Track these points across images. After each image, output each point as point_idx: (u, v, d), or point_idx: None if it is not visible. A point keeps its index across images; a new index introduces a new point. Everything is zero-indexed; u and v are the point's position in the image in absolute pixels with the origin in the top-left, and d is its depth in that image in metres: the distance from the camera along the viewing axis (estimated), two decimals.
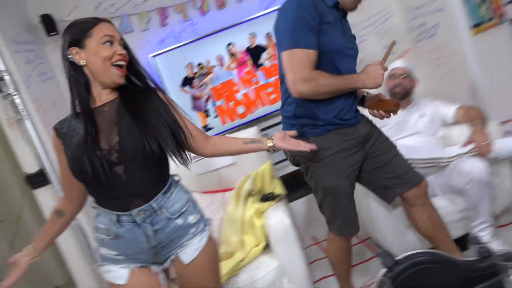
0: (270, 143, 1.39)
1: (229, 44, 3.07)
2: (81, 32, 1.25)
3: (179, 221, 1.34)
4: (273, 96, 3.17)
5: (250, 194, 2.15)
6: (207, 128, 3.13)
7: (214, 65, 3.08)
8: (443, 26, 2.89)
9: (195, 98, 3.09)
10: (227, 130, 3.08)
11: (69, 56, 1.24)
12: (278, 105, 3.12)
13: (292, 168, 3.08)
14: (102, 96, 1.30)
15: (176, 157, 1.30)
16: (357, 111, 1.70)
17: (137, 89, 1.34)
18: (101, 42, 1.25)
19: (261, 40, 3.10)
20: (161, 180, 1.32)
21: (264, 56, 3.13)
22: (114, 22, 2.89)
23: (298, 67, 1.48)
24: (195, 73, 3.07)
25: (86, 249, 2.52)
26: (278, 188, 2.18)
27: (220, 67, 3.09)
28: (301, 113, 1.62)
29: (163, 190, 1.31)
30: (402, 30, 3.34)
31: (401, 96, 2.27)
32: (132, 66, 1.33)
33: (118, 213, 1.27)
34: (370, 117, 1.74)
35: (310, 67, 1.49)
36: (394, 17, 3.33)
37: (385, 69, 1.56)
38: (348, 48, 1.61)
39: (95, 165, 1.19)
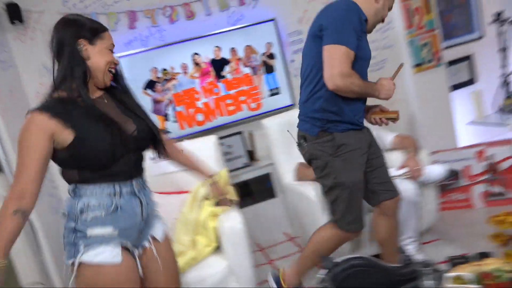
0: (206, 183, 1.92)
1: (194, 54, 3.20)
2: (95, 31, 1.37)
3: (154, 200, 1.55)
4: (231, 108, 3.33)
5: (205, 198, 2.27)
6: (165, 132, 3.21)
7: (178, 72, 3.19)
8: (389, 62, 3.23)
9: (156, 102, 3.18)
10: (184, 136, 3.18)
11: (79, 46, 1.33)
12: (235, 116, 3.32)
13: (245, 178, 3.27)
14: (94, 91, 1.42)
15: (160, 146, 1.53)
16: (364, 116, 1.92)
17: (117, 88, 1.49)
18: (108, 47, 1.40)
19: (225, 54, 3.27)
20: (141, 162, 1.50)
21: (227, 69, 3.29)
22: None
23: (339, 62, 1.62)
24: (159, 77, 3.16)
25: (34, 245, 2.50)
26: (232, 194, 2.32)
27: (183, 75, 3.20)
28: (329, 108, 1.74)
29: (142, 171, 1.51)
30: None
31: None
32: (116, 70, 1.45)
33: (120, 183, 1.37)
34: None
35: (349, 64, 1.64)
36: None
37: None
38: (369, 59, 1.84)
39: (128, 147, 1.37)
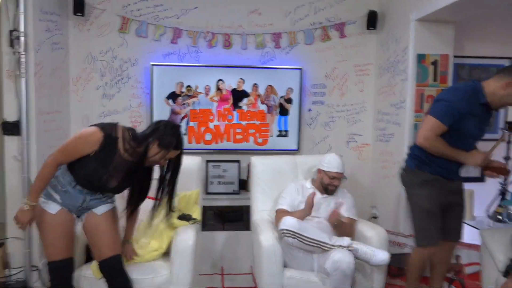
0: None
1: (219, 80, 3.49)
2: (168, 145, 2.03)
3: (104, 199, 2.15)
4: (239, 137, 3.57)
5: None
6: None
7: (201, 92, 3.49)
8: (396, 138, 3.31)
9: (173, 112, 3.49)
10: (188, 149, 3.44)
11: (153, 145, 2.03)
12: (240, 145, 3.55)
13: (227, 203, 3.47)
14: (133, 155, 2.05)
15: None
16: (458, 173, 2.40)
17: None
18: (165, 157, 2.06)
19: (247, 87, 3.53)
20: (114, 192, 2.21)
21: (245, 101, 3.54)
22: (133, 24, 3.34)
23: (428, 129, 2.22)
24: (182, 92, 3.48)
25: None
26: (196, 214, 2.54)
27: (204, 96, 3.50)
28: (421, 155, 2.33)
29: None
30: (369, 125, 3.77)
31: (331, 192, 2.68)
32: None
33: (82, 187, 2.04)
34: None
35: (435, 132, 2.20)
36: (366, 113, 3.77)
37: (489, 156, 2.27)
38: (473, 137, 2.32)
39: (103, 187, 2.06)
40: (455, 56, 3.28)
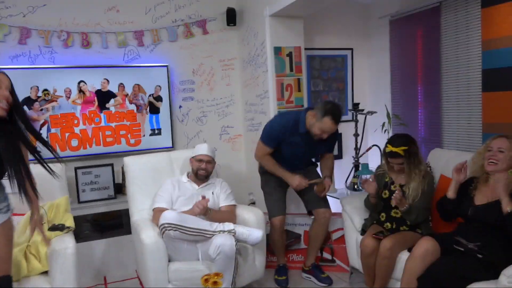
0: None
1: (80, 81, 3.29)
2: None
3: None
4: (109, 139, 3.42)
5: (40, 222, 2.30)
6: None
7: (60, 95, 3.24)
8: (262, 126, 3.55)
9: (31, 119, 3.17)
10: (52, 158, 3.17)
11: None
12: (112, 148, 3.41)
13: (103, 209, 3.31)
14: None
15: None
16: (299, 166, 2.90)
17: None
18: None
19: (113, 88, 3.40)
20: None
21: (112, 102, 3.40)
22: None
23: (257, 149, 2.85)
24: (39, 97, 3.18)
25: None
26: (69, 221, 2.38)
27: (65, 99, 3.26)
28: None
29: None
30: (239, 117, 3.97)
31: (203, 177, 2.76)
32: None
33: None
34: None
35: (262, 152, 2.81)
36: (235, 105, 3.96)
37: (304, 184, 2.74)
38: (292, 159, 2.82)
39: None
40: (306, 49, 3.66)
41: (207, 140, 3.86)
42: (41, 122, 3.21)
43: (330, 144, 2.92)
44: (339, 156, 4.12)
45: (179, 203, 2.64)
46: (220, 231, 2.38)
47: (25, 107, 3.15)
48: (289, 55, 3.34)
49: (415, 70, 3.55)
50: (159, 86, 3.55)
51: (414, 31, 3.50)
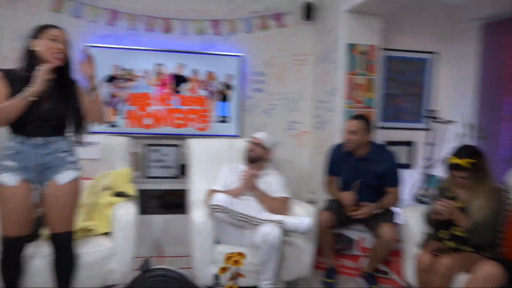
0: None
1: (158, 64, 3.49)
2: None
3: (62, 155, 2.00)
4: (179, 122, 3.58)
5: (105, 188, 2.50)
6: (112, 125, 3.46)
7: (139, 75, 3.46)
8: (330, 124, 3.48)
9: (112, 95, 3.43)
10: (127, 133, 3.40)
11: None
12: (180, 130, 3.58)
13: (167, 187, 3.48)
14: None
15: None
16: None
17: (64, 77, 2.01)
18: (49, 38, 1.91)
19: (187, 73, 3.55)
20: (59, 130, 2.01)
21: (185, 86, 3.56)
22: (68, 3, 3.22)
23: None
24: (120, 75, 3.43)
25: None
26: (131, 190, 2.55)
27: (143, 79, 3.48)
28: None
29: (59, 136, 2.00)
30: (307, 113, 3.92)
31: (251, 159, 2.78)
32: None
33: (27, 137, 1.92)
34: None
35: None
36: (304, 101, 3.92)
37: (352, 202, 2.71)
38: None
39: (38, 116, 1.91)
40: (384, 49, 3.50)
41: (272, 133, 3.86)
42: (120, 98, 3.45)
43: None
44: (406, 166, 3.90)
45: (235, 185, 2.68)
46: (268, 220, 2.38)
47: (108, 84, 3.41)
48: (364, 53, 3.22)
49: (504, 81, 3.23)
50: (231, 75, 3.64)
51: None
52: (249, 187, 2.55)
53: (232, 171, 2.78)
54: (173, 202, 3.53)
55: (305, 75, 3.89)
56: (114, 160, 2.63)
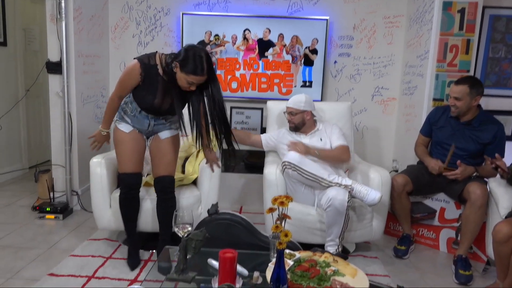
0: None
1: (246, 29, 3.60)
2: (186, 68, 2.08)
3: (167, 123, 2.42)
4: (264, 86, 3.70)
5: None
6: None
7: (228, 41, 3.63)
8: (419, 90, 3.28)
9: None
10: None
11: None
12: (265, 94, 3.69)
13: (252, 148, 3.64)
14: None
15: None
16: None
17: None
18: (188, 81, 2.09)
19: (273, 37, 3.61)
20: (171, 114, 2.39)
21: (270, 50, 3.64)
22: None
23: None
24: (210, 41, 3.63)
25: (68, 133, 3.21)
26: (215, 147, 2.77)
27: (231, 45, 3.64)
28: None
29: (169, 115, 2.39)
30: (396, 79, 3.74)
31: (293, 128, 2.78)
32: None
33: (145, 113, 2.33)
34: None
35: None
36: (394, 66, 3.72)
37: (442, 169, 2.60)
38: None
39: (156, 110, 2.29)
40: (488, 7, 3.14)
41: (357, 99, 3.78)
42: None
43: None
44: (508, 138, 3.51)
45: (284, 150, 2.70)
46: (337, 183, 2.39)
47: None
48: (461, 11, 2.93)
49: None
50: (317, 39, 3.61)
51: None
52: (302, 153, 2.52)
53: (290, 133, 2.83)
54: (256, 163, 3.70)
55: (396, 38, 3.68)
56: None
